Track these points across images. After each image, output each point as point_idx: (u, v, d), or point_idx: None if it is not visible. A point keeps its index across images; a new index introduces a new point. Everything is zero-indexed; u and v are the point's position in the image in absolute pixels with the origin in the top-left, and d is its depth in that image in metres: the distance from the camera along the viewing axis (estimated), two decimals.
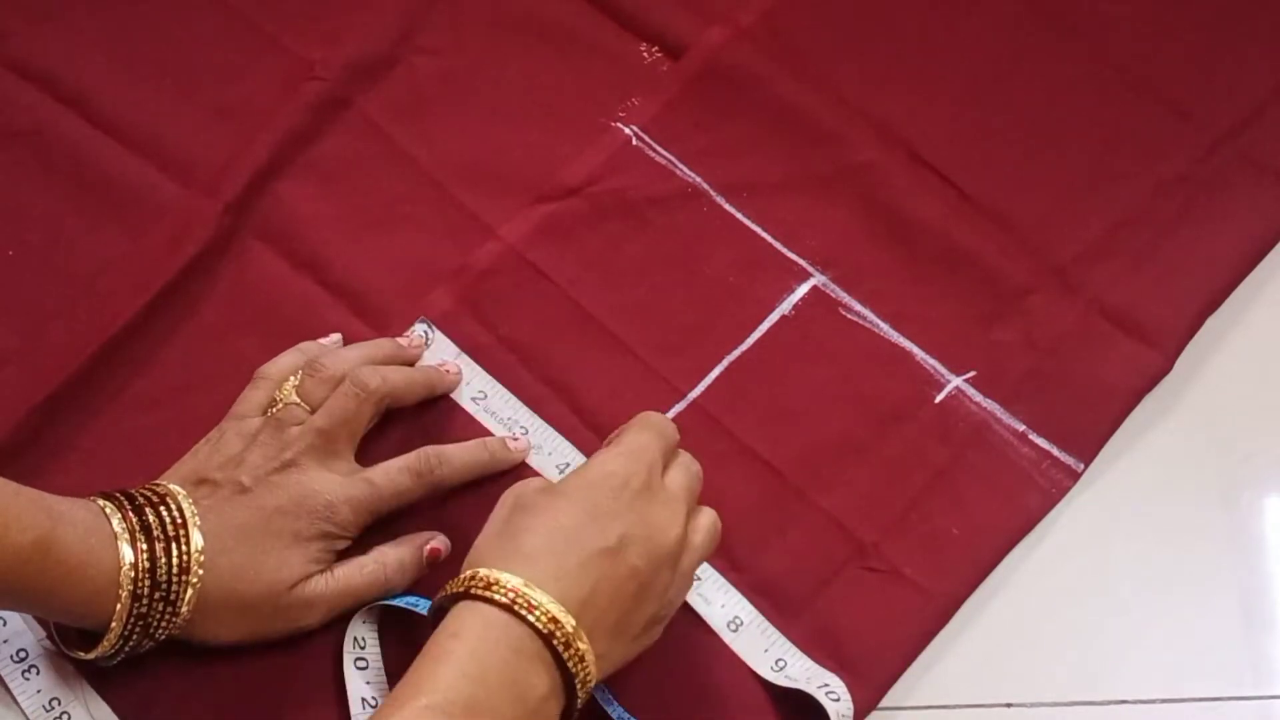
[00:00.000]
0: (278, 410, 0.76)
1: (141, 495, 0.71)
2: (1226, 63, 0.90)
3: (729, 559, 0.78)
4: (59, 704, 0.74)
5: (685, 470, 0.72)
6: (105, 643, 0.69)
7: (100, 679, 0.74)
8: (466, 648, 0.63)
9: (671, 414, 0.81)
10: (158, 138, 0.87)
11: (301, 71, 0.89)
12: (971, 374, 0.82)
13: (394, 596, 0.74)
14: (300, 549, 0.72)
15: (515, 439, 0.80)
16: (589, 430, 0.81)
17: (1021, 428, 0.81)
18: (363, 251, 0.85)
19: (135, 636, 0.70)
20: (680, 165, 0.88)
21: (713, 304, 0.84)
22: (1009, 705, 0.76)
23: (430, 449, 0.76)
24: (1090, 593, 0.78)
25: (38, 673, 0.74)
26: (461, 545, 0.73)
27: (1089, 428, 0.81)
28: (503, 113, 0.89)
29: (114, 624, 0.69)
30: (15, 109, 0.88)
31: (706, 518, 0.71)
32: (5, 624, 0.75)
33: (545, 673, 0.64)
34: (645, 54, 0.91)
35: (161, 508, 0.70)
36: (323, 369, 0.77)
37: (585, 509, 0.67)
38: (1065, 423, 0.81)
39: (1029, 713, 0.76)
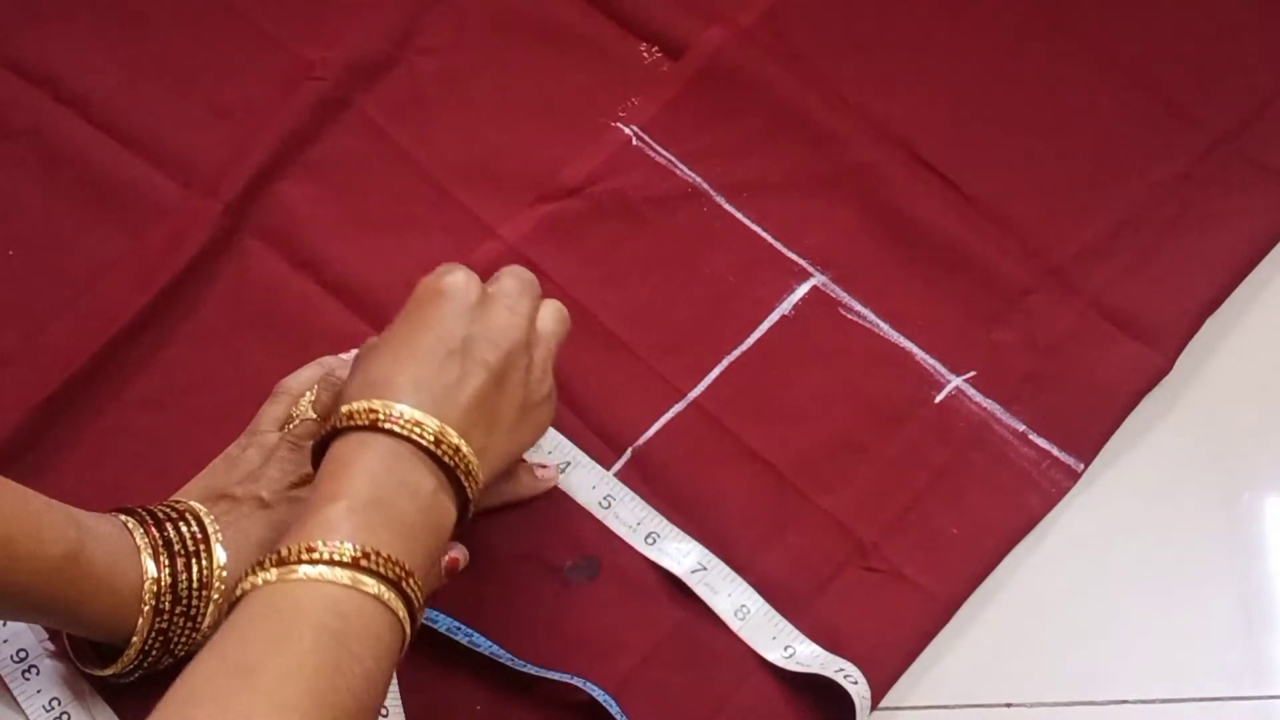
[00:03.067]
0: (295, 426, 0.76)
1: (162, 511, 0.71)
2: (1226, 63, 0.90)
3: (729, 558, 0.78)
4: (59, 704, 0.74)
5: (512, 275, 0.73)
6: (125, 657, 0.70)
7: (100, 679, 0.74)
8: (354, 465, 0.65)
9: (671, 414, 0.81)
10: (158, 138, 0.87)
11: (301, 71, 0.89)
12: (971, 374, 0.82)
13: None
14: None
15: (544, 467, 0.80)
16: (589, 430, 0.81)
17: (1021, 428, 0.81)
18: (363, 251, 0.85)
19: (155, 652, 0.70)
20: (680, 165, 0.88)
21: (713, 304, 0.84)
22: (1009, 705, 0.76)
23: None
24: (1090, 593, 0.78)
25: (38, 673, 0.74)
26: (480, 556, 0.73)
27: (1089, 428, 0.81)
28: (503, 113, 0.90)
29: (135, 639, 0.69)
30: (15, 109, 0.88)
31: (550, 307, 0.74)
32: (5, 624, 0.75)
33: (429, 473, 0.65)
34: (645, 54, 0.91)
35: (182, 524, 0.70)
36: (339, 383, 0.77)
37: (422, 324, 0.69)
38: (1065, 423, 0.81)
39: (1029, 713, 0.76)
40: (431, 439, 0.65)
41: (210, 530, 0.71)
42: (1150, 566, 0.79)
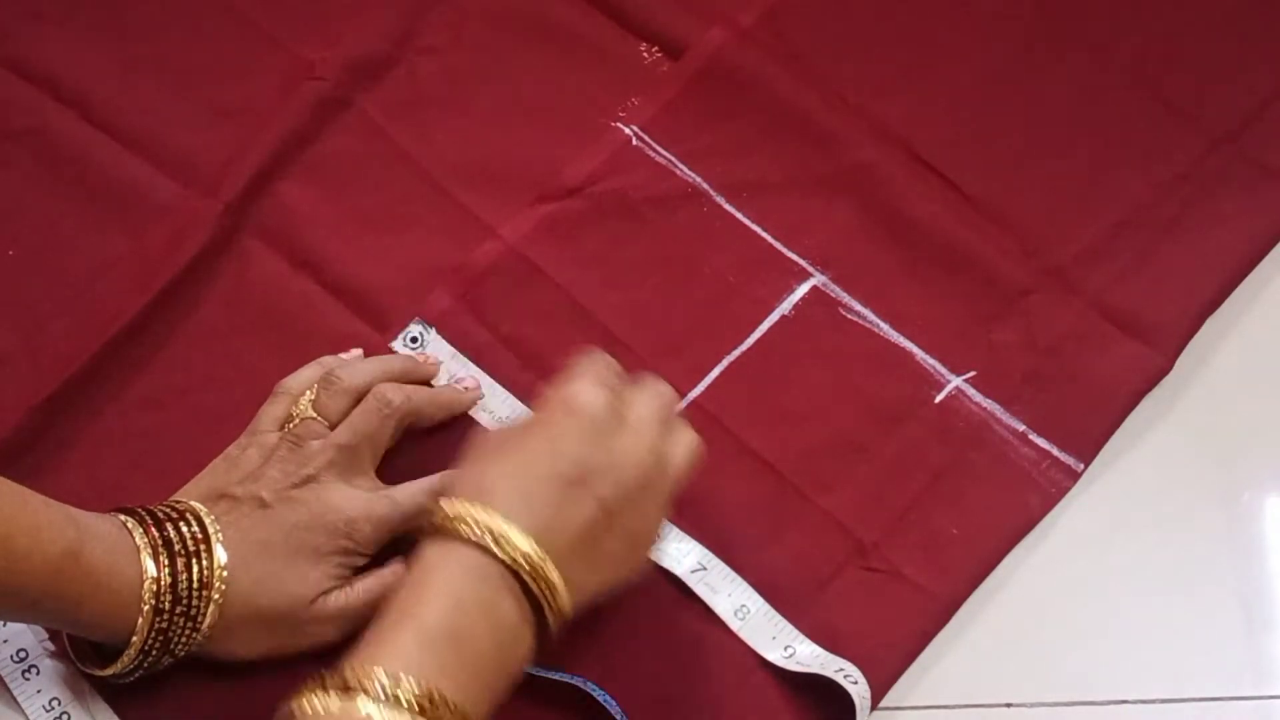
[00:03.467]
0: (294, 426, 0.76)
1: (162, 511, 0.71)
2: (1226, 63, 0.90)
3: (729, 558, 0.78)
4: (59, 704, 0.74)
5: (651, 394, 0.71)
6: (125, 658, 0.70)
7: (100, 679, 0.74)
8: (442, 579, 0.64)
9: None
10: (158, 138, 0.87)
11: (302, 71, 0.89)
12: (971, 374, 0.82)
13: None
14: (320, 564, 0.72)
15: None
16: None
17: (1021, 428, 0.81)
18: (363, 251, 0.85)
19: (155, 652, 0.70)
20: (680, 165, 0.88)
21: (713, 304, 0.84)
22: (1009, 705, 0.76)
23: (455, 472, 0.75)
24: (1090, 593, 0.78)
25: (37, 673, 0.74)
26: None
27: (1089, 428, 0.81)
28: (503, 113, 0.89)
29: (135, 638, 0.69)
30: (15, 109, 0.88)
31: (683, 440, 0.71)
32: (5, 624, 0.75)
33: (515, 602, 0.64)
34: (645, 54, 0.91)
35: (182, 524, 0.70)
36: (338, 381, 0.77)
37: (545, 441, 0.67)
38: (1065, 423, 0.81)
39: (1029, 713, 0.76)
40: (530, 569, 0.64)
41: (211, 530, 0.71)
42: (1150, 566, 0.79)
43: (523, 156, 0.88)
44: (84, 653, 0.72)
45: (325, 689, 0.60)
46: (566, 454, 0.66)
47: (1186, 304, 0.84)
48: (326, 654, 0.73)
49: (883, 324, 0.84)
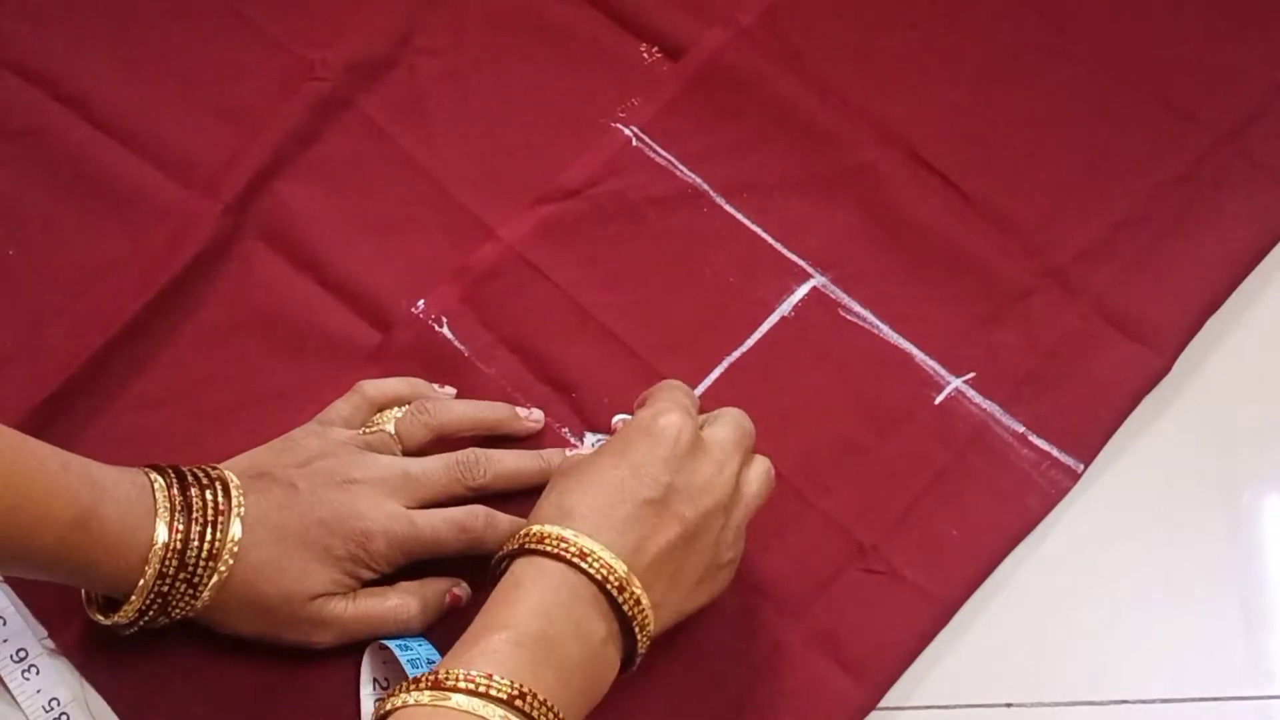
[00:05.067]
0: (371, 432, 0.76)
1: (193, 474, 0.71)
2: (1226, 63, 0.90)
3: None
4: (58, 704, 0.74)
5: (732, 424, 0.72)
6: (122, 612, 0.70)
7: (100, 679, 0.74)
8: (531, 593, 0.65)
9: None
10: (158, 138, 0.87)
11: (302, 72, 0.89)
12: (971, 375, 0.82)
13: (399, 638, 0.74)
14: (327, 566, 0.72)
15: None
16: (589, 432, 0.81)
17: (1021, 429, 0.81)
18: (363, 252, 0.85)
19: (152, 612, 0.70)
20: (680, 166, 0.88)
21: (713, 305, 0.84)
22: (1009, 705, 0.76)
23: (481, 509, 0.75)
24: (1090, 593, 0.78)
25: (37, 672, 0.74)
26: (481, 562, 0.72)
27: (1089, 429, 0.81)
28: (503, 113, 0.89)
29: (134, 598, 0.69)
30: (15, 109, 0.88)
31: (758, 468, 0.73)
32: (5, 624, 0.75)
33: (603, 618, 0.66)
34: (645, 54, 0.91)
35: (209, 491, 0.70)
36: (428, 415, 0.77)
37: (627, 464, 0.68)
38: (1065, 424, 0.81)
39: (1029, 713, 0.76)
40: (617, 585, 0.65)
41: (234, 503, 0.71)
42: (1150, 566, 0.79)
43: (523, 157, 0.88)
44: (92, 599, 0.73)
45: (418, 686, 0.61)
46: (649, 476, 0.68)
47: (1186, 304, 0.84)
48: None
49: (882, 325, 0.83)
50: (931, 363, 0.82)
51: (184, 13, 0.91)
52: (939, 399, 0.82)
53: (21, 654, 0.75)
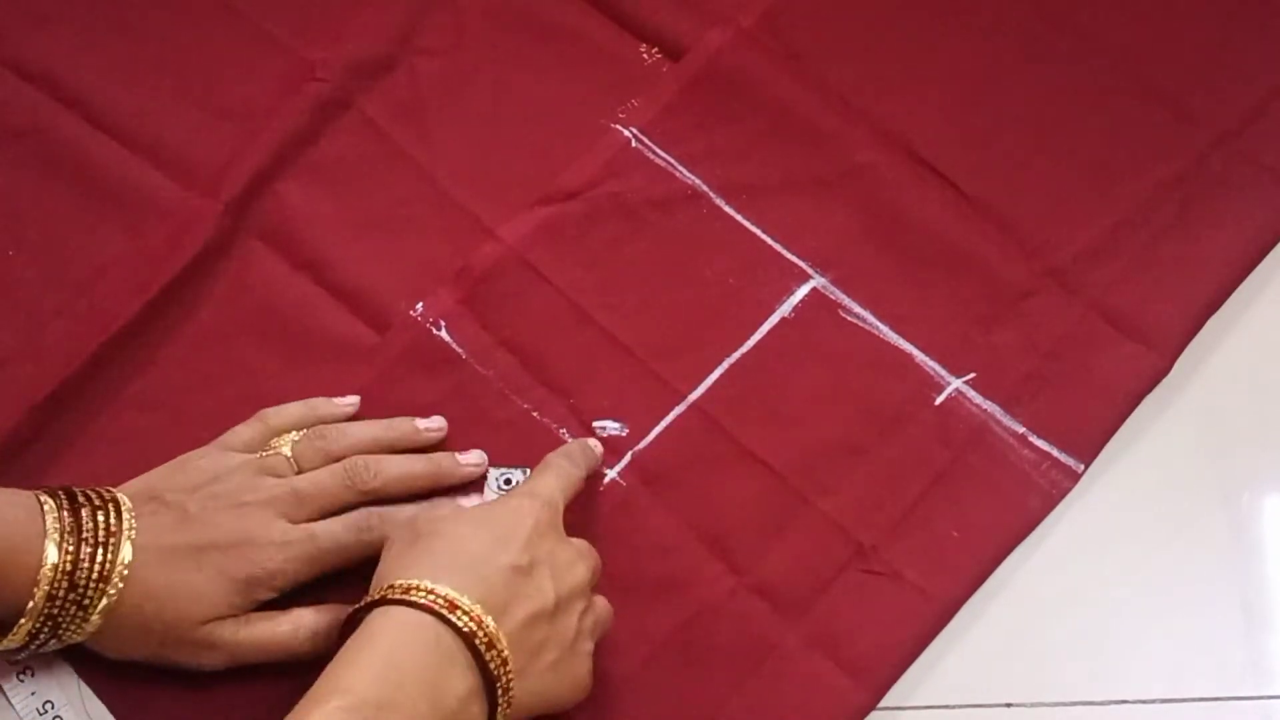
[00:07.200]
0: (266, 455, 0.76)
1: (84, 495, 0.71)
2: (1226, 63, 0.90)
3: (729, 561, 0.78)
4: (52, 707, 0.73)
5: (586, 548, 0.72)
6: (12, 636, 0.69)
7: (98, 681, 0.74)
8: (382, 649, 0.63)
9: (671, 417, 0.81)
10: (158, 138, 0.87)
11: (302, 72, 0.89)
12: (971, 376, 0.82)
13: None
14: (221, 588, 0.71)
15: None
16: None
17: (1021, 429, 0.81)
18: (363, 252, 0.85)
19: (43, 636, 0.69)
20: (680, 167, 0.88)
21: (712, 306, 0.84)
22: (1009, 705, 0.76)
23: (374, 509, 0.75)
24: (1090, 593, 0.78)
25: (31, 674, 0.74)
26: None
27: (1089, 429, 0.81)
28: (503, 114, 0.89)
29: (24, 620, 0.68)
30: (15, 109, 0.88)
31: (602, 605, 0.72)
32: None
33: (464, 674, 0.64)
34: (645, 55, 0.91)
35: (100, 512, 0.70)
36: (324, 440, 0.76)
37: (492, 533, 0.68)
38: (1065, 424, 0.81)
39: (1029, 713, 0.76)
40: (486, 640, 0.64)
41: (126, 525, 0.70)
42: (1150, 567, 0.79)
43: (522, 158, 0.88)
44: None
45: None
46: (515, 547, 0.67)
47: (1186, 304, 0.84)
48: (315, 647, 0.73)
49: (882, 326, 0.83)
50: (931, 363, 0.82)
51: (184, 13, 0.91)
52: (939, 399, 0.82)
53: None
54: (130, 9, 0.91)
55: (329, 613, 0.73)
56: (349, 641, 0.65)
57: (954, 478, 0.80)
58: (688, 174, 0.87)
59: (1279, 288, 0.85)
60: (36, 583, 0.68)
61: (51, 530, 0.68)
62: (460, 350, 0.83)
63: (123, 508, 0.71)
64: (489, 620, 0.64)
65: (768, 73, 0.90)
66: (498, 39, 0.91)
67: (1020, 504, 0.79)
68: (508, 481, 0.78)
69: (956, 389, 0.82)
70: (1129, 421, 0.81)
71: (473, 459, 0.78)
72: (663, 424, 0.81)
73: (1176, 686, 0.76)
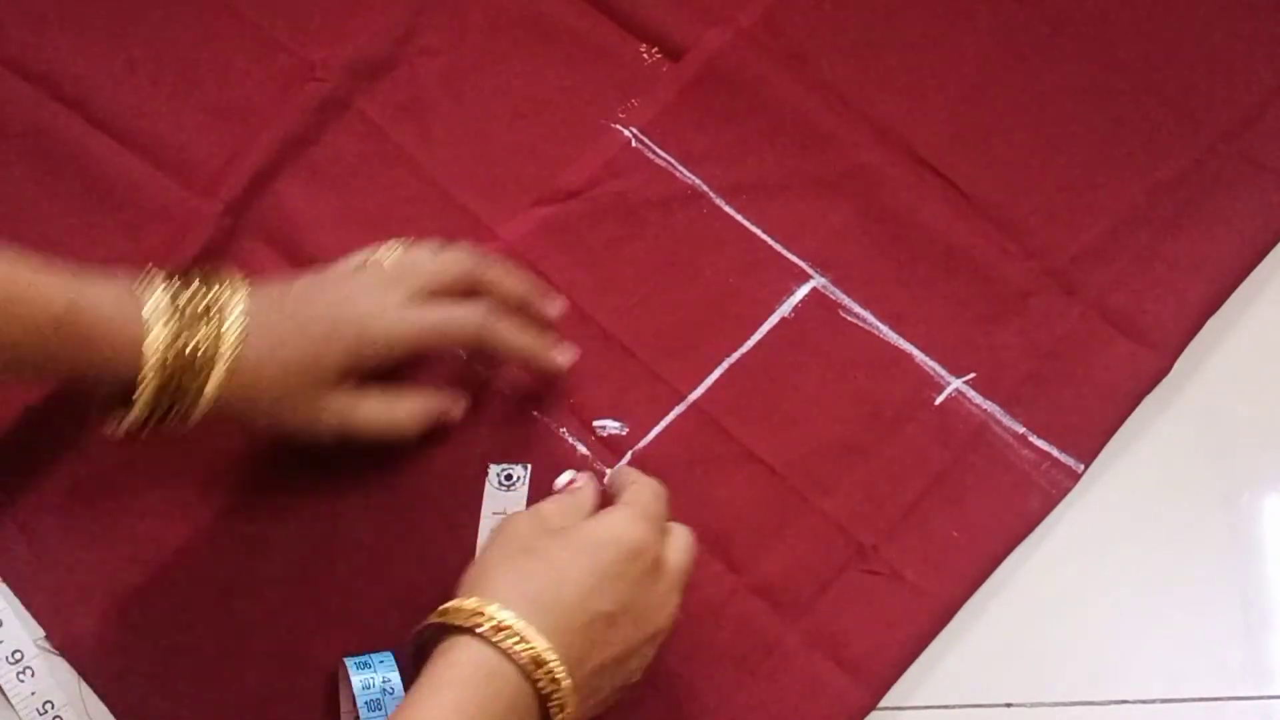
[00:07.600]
0: (380, 253, 0.78)
1: (198, 272, 0.72)
2: (1226, 63, 0.90)
3: (729, 561, 0.78)
4: (53, 707, 0.74)
5: (685, 548, 0.72)
6: (132, 415, 0.69)
7: (99, 681, 0.74)
8: (466, 692, 0.63)
9: (671, 416, 0.81)
10: (158, 138, 0.87)
11: (302, 72, 0.89)
12: (971, 376, 0.82)
13: (360, 655, 0.74)
14: (333, 354, 0.73)
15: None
16: (589, 433, 0.81)
17: (1021, 429, 0.81)
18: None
19: (160, 411, 0.69)
20: (680, 167, 0.88)
21: (713, 306, 0.84)
22: (1009, 705, 0.76)
23: (489, 308, 0.77)
24: (1090, 593, 0.78)
25: (33, 674, 0.74)
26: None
27: (1089, 429, 0.81)
28: (503, 114, 0.89)
29: (140, 392, 0.68)
30: (15, 109, 0.88)
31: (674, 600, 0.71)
32: (1, 625, 0.75)
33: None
34: (645, 55, 0.91)
35: (209, 288, 0.71)
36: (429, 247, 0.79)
37: (596, 568, 0.67)
38: (1065, 424, 0.81)
39: (1029, 713, 0.76)
40: (559, 702, 0.64)
41: (237, 297, 0.71)
42: (1150, 566, 0.79)
43: (522, 158, 0.88)
44: (104, 408, 0.72)
45: None
46: (613, 590, 0.67)
47: (1186, 304, 0.84)
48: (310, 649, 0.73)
49: (882, 326, 0.83)
50: (932, 363, 0.82)
51: (184, 13, 0.91)
52: (939, 399, 0.82)
53: (17, 655, 0.74)
54: (130, 9, 0.91)
55: (427, 393, 0.78)
56: (435, 666, 0.64)
57: (954, 478, 0.80)
58: (688, 174, 0.87)
59: (1279, 288, 0.85)
60: (145, 356, 0.68)
61: (164, 305, 0.69)
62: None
63: (232, 281, 0.72)
64: (565, 679, 0.64)
65: (767, 73, 0.90)
66: (498, 39, 0.92)
67: (1020, 504, 0.79)
68: (509, 478, 0.78)
69: (956, 389, 0.82)
70: (1129, 421, 0.81)
71: (567, 358, 0.81)
72: (663, 423, 0.81)
73: (1176, 686, 0.76)
